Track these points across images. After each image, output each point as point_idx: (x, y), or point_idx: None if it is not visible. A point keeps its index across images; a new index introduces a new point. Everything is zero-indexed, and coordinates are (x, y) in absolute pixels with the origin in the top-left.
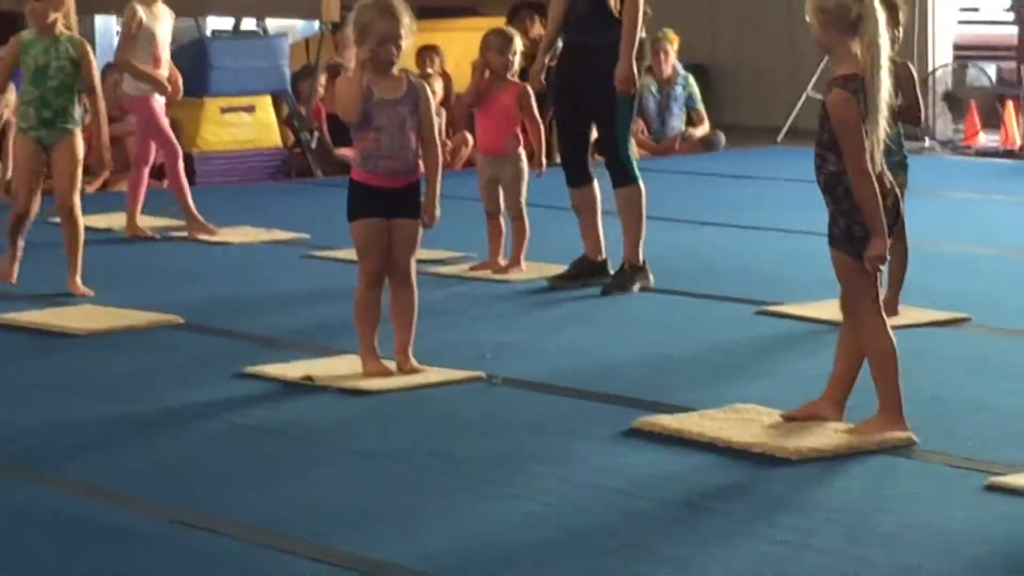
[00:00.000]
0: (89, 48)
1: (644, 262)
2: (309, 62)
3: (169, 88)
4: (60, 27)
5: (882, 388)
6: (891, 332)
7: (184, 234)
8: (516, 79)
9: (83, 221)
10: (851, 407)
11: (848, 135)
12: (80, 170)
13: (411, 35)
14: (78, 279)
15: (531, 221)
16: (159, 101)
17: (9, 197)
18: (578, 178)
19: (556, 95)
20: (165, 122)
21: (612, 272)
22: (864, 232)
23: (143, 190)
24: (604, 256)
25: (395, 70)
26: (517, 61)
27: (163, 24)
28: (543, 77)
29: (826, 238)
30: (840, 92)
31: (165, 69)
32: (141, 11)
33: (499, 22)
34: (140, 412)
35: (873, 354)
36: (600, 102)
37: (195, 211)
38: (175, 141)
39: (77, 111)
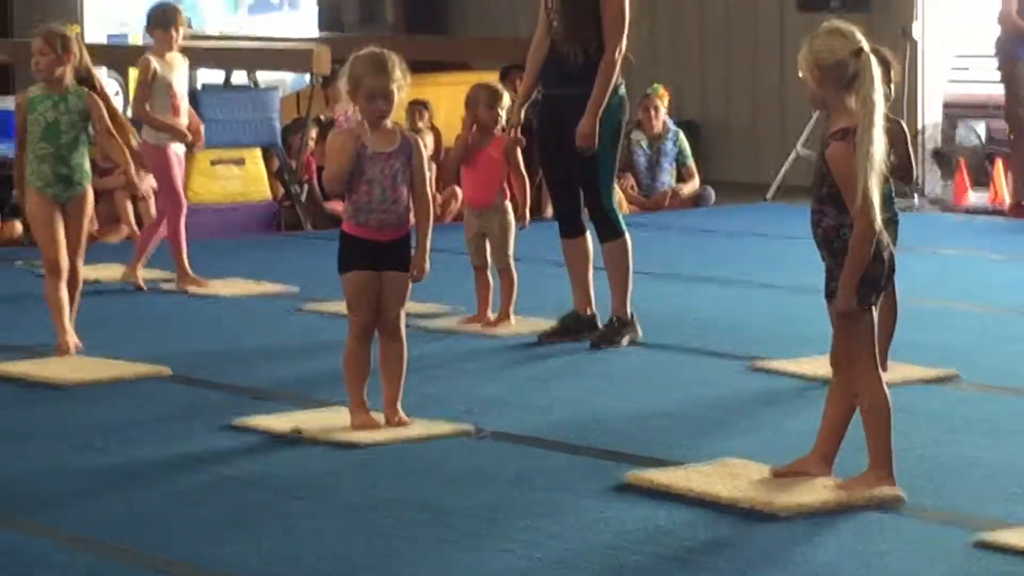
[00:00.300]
0: (97, 97)
1: (632, 316)
2: (300, 115)
3: (189, 136)
4: (68, 81)
5: (874, 444)
6: (886, 388)
7: (173, 286)
8: (502, 133)
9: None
10: (838, 463)
11: (853, 187)
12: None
13: (404, 88)
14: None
15: (520, 275)
16: (178, 152)
17: None
18: (570, 229)
19: (540, 147)
20: (178, 174)
21: (601, 326)
22: (863, 286)
23: (155, 242)
24: (593, 310)
25: (388, 123)
26: (505, 115)
27: (179, 73)
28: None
29: (816, 294)
30: (840, 144)
31: (184, 118)
32: (155, 62)
33: (489, 77)
34: (125, 462)
35: (868, 409)
36: (582, 154)
37: (187, 265)
38: (182, 194)
39: (88, 164)
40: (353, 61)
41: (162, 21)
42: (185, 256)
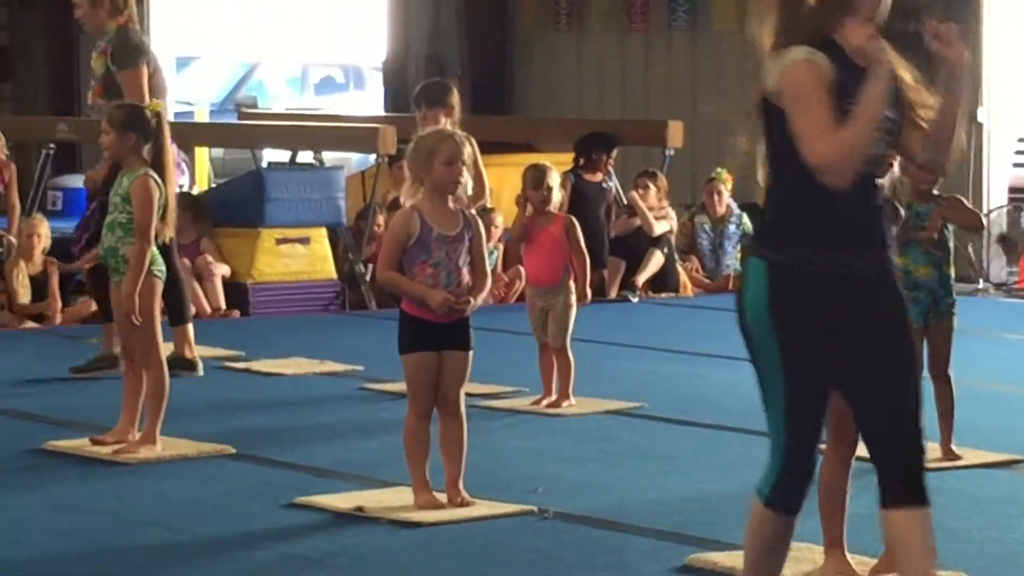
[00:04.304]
0: (148, 184)
1: None
2: (371, 200)
3: None
4: (134, 158)
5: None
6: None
7: (237, 364)
8: (559, 212)
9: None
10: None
11: None
12: (144, 318)
13: (471, 169)
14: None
15: (580, 355)
16: None
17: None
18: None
19: (809, 347)
20: None
21: None
22: None
23: None
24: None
25: (451, 204)
26: (556, 195)
27: None
28: None
29: None
30: None
31: None
32: None
33: (555, 158)
34: (187, 540)
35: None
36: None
37: None
38: None
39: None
40: (420, 138)
41: (428, 98)
42: None
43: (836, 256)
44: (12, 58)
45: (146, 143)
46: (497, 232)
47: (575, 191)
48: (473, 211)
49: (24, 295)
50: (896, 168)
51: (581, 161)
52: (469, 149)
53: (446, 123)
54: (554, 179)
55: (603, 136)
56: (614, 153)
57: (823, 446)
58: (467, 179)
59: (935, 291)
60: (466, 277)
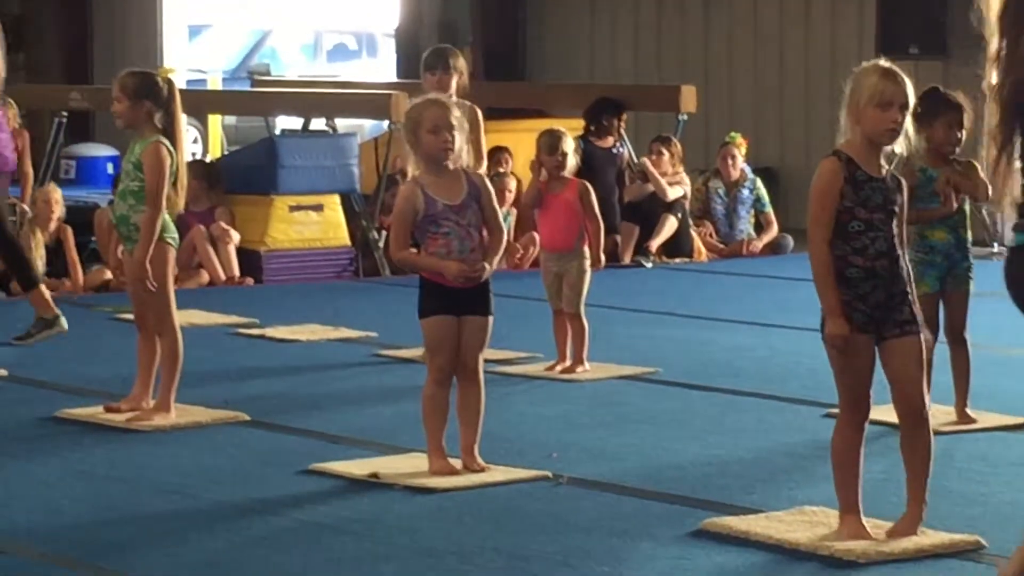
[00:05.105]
0: (160, 150)
1: None
2: (385, 170)
3: None
4: (147, 126)
5: (923, 481)
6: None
7: (251, 331)
8: (573, 176)
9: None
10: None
11: None
12: (158, 285)
13: (463, 132)
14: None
15: (596, 320)
16: None
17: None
18: None
19: None
20: None
21: None
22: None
23: None
24: None
25: (450, 165)
26: (570, 160)
27: None
28: None
29: None
30: None
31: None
32: None
33: (567, 124)
34: (203, 507)
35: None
36: None
37: None
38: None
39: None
40: (408, 111)
41: (443, 62)
42: None
43: None
44: (25, 27)
45: (159, 111)
46: (511, 197)
47: (585, 157)
48: (472, 168)
49: (39, 264)
50: (911, 130)
51: (591, 127)
52: (458, 113)
53: (455, 87)
54: (568, 144)
55: (612, 101)
56: (624, 118)
57: (835, 410)
58: (461, 144)
59: (952, 255)
60: (480, 240)
